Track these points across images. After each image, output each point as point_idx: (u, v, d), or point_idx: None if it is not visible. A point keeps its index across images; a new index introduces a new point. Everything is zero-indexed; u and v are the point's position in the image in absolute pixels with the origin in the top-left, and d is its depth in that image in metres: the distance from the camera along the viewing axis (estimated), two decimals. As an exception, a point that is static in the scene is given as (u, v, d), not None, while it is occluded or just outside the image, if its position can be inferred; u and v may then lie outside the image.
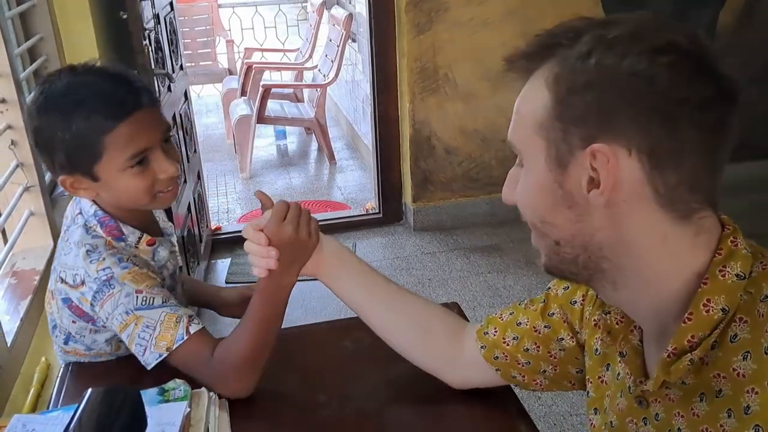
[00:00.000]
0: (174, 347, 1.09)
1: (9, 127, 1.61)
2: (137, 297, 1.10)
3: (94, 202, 1.17)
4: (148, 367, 1.11)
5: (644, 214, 0.71)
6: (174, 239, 1.31)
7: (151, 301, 1.11)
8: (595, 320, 0.92)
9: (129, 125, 1.08)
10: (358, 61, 4.75)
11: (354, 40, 4.72)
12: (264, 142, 5.11)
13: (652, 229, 0.71)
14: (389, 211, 3.65)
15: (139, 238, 1.19)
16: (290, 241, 1.03)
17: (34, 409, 1.25)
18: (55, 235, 1.73)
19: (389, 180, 3.60)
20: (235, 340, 1.10)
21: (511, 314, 1.04)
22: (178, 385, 1.09)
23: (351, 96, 5.10)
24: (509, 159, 0.81)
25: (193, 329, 1.11)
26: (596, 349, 0.92)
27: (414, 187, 3.50)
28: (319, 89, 4.65)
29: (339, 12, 4.73)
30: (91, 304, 1.12)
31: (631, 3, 3.51)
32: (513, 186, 0.80)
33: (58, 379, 1.20)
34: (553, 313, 0.99)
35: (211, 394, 1.09)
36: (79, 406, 0.80)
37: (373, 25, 3.35)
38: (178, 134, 2.84)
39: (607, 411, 0.89)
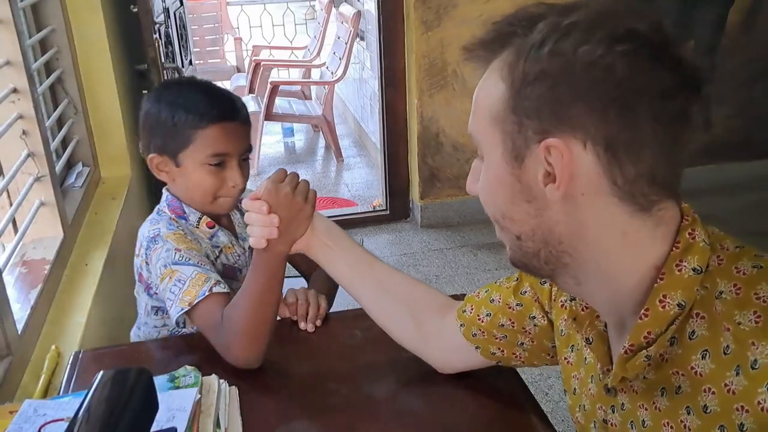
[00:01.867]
0: (195, 302, 1.16)
1: (20, 116, 1.61)
2: (176, 253, 1.22)
3: (169, 191, 1.33)
4: (173, 321, 1.18)
5: (602, 208, 0.69)
6: (246, 245, 1.38)
7: (186, 259, 1.21)
8: (562, 301, 0.93)
9: (219, 129, 1.25)
10: (366, 58, 4.76)
11: (362, 38, 4.73)
12: (272, 140, 5.12)
13: (611, 223, 0.70)
14: (396, 207, 3.65)
15: (200, 219, 1.32)
16: (287, 203, 1.07)
17: (44, 396, 1.25)
18: (65, 225, 1.74)
19: (396, 176, 3.60)
20: (234, 311, 1.13)
21: (486, 292, 1.04)
22: (188, 372, 1.09)
23: (358, 94, 5.11)
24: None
25: (216, 289, 1.17)
26: (561, 330, 0.93)
27: (421, 184, 3.49)
28: (327, 86, 4.66)
29: (347, 9, 4.73)
30: (146, 262, 1.25)
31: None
32: (475, 178, 0.79)
33: (69, 366, 1.20)
34: (525, 291, 0.99)
35: (222, 381, 1.09)
36: (89, 389, 0.80)
37: (382, 22, 3.35)
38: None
39: (576, 393, 0.90)
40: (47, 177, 1.68)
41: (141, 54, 2.42)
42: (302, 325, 1.27)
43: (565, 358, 0.92)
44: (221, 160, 1.26)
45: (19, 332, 1.31)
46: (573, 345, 0.91)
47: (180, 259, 1.21)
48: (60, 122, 2.06)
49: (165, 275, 1.20)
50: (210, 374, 1.09)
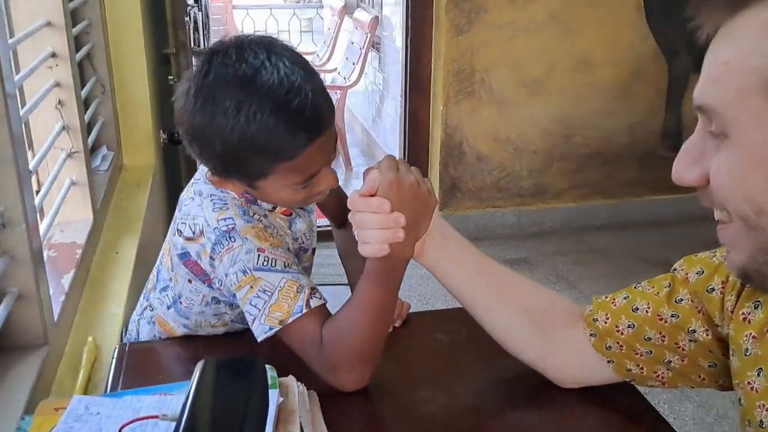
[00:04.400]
0: (289, 320, 0.94)
1: (57, 84, 1.46)
2: (259, 255, 0.95)
3: None
4: (258, 340, 0.95)
5: None
6: (314, 217, 1.16)
7: (273, 263, 0.95)
8: (744, 314, 0.77)
9: (308, 153, 0.93)
10: (379, 66, 4.65)
11: (377, 49, 4.62)
12: (277, 145, 4.97)
13: None
14: (413, 217, 3.51)
15: (274, 206, 1.05)
16: (413, 195, 0.88)
17: (84, 392, 1.09)
18: (95, 209, 1.58)
19: (415, 185, 3.47)
20: (346, 328, 0.94)
21: (625, 299, 0.89)
22: (263, 371, 0.94)
23: (369, 102, 5.00)
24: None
25: (314, 303, 0.95)
26: (746, 349, 0.76)
27: (442, 194, 3.37)
28: (338, 91, 4.53)
29: (363, 15, 4.62)
30: (211, 257, 0.97)
31: (676, 16, 3.41)
32: (691, 160, 0.64)
33: (114, 360, 1.05)
34: (681, 299, 0.84)
35: (299, 384, 0.94)
36: (194, 382, 0.65)
37: (410, 24, 3.24)
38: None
39: (765, 426, 0.73)
40: (80, 154, 1.52)
41: (167, 37, 2.29)
42: None
43: (749, 383, 0.76)
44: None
45: (56, 320, 1.15)
46: (762, 368, 0.74)
47: (265, 263, 0.95)
48: (86, 102, 1.91)
49: (244, 283, 0.95)
50: (287, 375, 0.94)
